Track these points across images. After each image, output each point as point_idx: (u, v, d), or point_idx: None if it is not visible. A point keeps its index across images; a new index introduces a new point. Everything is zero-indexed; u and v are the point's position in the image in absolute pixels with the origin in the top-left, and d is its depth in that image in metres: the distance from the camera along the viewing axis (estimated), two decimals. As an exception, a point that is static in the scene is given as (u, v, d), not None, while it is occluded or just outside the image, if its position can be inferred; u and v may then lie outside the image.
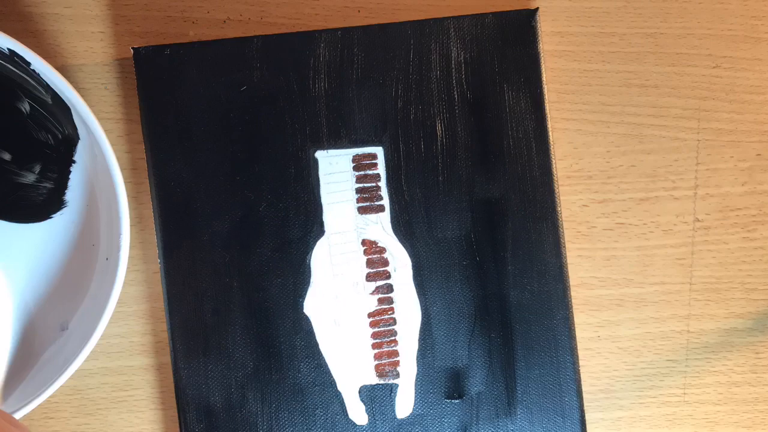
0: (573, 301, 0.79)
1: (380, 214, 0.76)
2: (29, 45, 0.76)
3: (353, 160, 0.76)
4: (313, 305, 0.76)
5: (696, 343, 0.81)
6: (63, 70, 0.77)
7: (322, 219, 0.76)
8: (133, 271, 0.79)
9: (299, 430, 0.76)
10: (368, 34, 0.76)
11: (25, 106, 0.75)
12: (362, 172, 0.76)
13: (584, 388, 0.80)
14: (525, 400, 0.77)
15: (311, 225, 0.76)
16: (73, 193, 0.77)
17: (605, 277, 0.80)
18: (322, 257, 0.76)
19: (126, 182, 0.78)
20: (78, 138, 0.76)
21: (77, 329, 0.76)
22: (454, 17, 0.76)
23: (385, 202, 0.76)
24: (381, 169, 0.76)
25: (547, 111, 0.77)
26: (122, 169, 0.77)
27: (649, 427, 0.81)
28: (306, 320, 0.76)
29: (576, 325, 0.79)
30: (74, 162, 0.77)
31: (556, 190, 0.76)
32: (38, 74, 0.71)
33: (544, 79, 0.76)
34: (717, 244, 0.80)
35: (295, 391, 0.76)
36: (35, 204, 0.77)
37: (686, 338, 0.81)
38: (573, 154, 0.80)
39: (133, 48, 0.75)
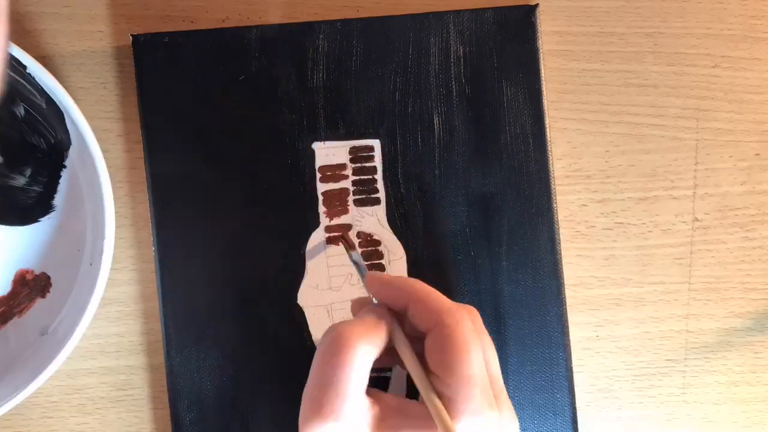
0: (572, 300, 0.79)
1: (376, 206, 0.76)
2: (27, 44, 0.76)
3: (350, 152, 0.76)
4: (306, 297, 0.76)
5: (695, 343, 0.80)
6: (61, 69, 0.78)
7: (317, 211, 0.76)
8: (132, 270, 0.79)
9: (291, 422, 0.75)
10: (367, 27, 0.76)
11: (20, 110, 0.75)
12: (359, 165, 0.76)
13: (583, 387, 0.80)
14: (516, 396, 0.77)
15: (307, 216, 0.76)
16: (62, 197, 0.77)
17: (604, 277, 0.80)
18: (317, 249, 0.76)
19: (124, 182, 0.78)
20: (69, 143, 0.76)
21: (55, 334, 0.77)
22: (453, 11, 0.76)
23: (381, 195, 0.76)
24: (377, 162, 0.76)
25: (545, 107, 0.77)
26: (120, 169, 0.78)
27: (648, 426, 0.80)
28: (299, 312, 0.76)
29: (575, 325, 0.79)
30: (65, 167, 0.77)
31: (553, 187, 0.76)
32: (33, 78, 0.71)
33: (542, 75, 0.77)
34: (716, 244, 0.80)
35: (287, 382, 0.76)
36: (23, 207, 0.77)
37: (685, 338, 0.80)
38: (572, 153, 0.80)
39: (132, 35, 0.75)
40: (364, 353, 0.59)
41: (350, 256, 0.74)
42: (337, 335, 0.60)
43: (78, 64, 0.78)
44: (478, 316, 0.63)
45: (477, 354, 0.59)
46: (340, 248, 0.76)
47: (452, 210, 0.76)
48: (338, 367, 0.58)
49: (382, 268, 0.76)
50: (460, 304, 0.62)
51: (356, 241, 0.76)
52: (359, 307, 0.67)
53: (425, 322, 0.61)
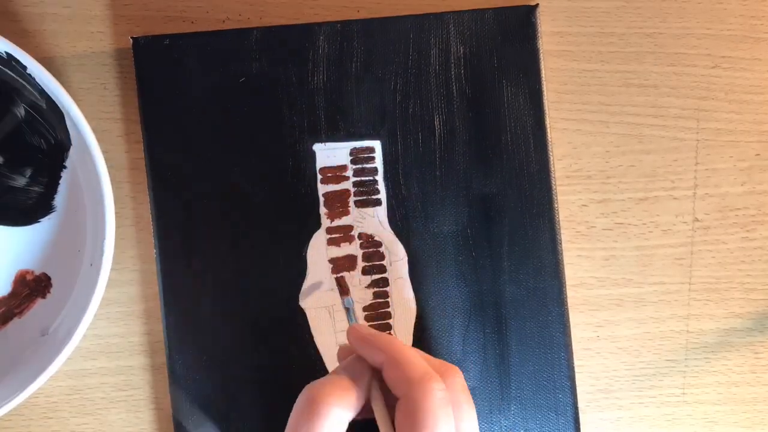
0: (572, 301, 0.79)
1: (377, 208, 0.76)
2: (28, 45, 0.76)
3: (351, 154, 0.76)
4: (308, 298, 0.76)
5: (695, 343, 0.80)
6: (62, 70, 0.78)
7: (318, 212, 0.76)
8: (132, 270, 0.79)
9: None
10: (368, 28, 0.76)
11: (20, 111, 0.75)
12: (360, 166, 0.76)
13: (584, 388, 0.80)
14: (519, 397, 0.77)
15: (308, 218, 0.76)
16: (62, 198, 0.77)
17: (604, 277, 0.80)
18: (318, 250, 0.76)
19: (125, 182, 0.78)
20: (70, 143, 0.76)
21: (56, 335, 0.77)
22: (453, 12, 0.76)
23: (382, 196, 0.76)
24: (378, 163, 0.76)
25: (546, 107, 0.77)
26: (121, 169, 0.78)
27: (649, 427, 0.80)
28: (301, 313, 0.76)
29: (575, 325, 0.79)
30: (65, 167, 0.77)
31: (554, 187, 0.77)
32: (34, 79, 0.71)
33: (543, 75, 0.77)
34: (716, 244, 0.80)
35: (289, 384, 0.75)
36: (24, 207, 0.77)
37: (685, 338, 0.80)
38: (572, 154, 0.80)
39: (132, 37, 0.75)
40: (337, 417, 0.60)
41: (342, 302, 0.74)
42: (311, 397, 0.61)
43: (78, 64, 0.78)
44: (458, 380, 0.62)
45: (444, 430, 0.59)
46: (342, 250, 0.76)
47: (453, 211, 0.76)
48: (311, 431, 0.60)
49: (383, 269, 0.76)
50: (439, 367, 0.62)
51: (358, 243, 0.76)
52: (345, 354, 0.67)
53: (395, 389, 0.61)
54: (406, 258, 0.76)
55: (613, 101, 0.80)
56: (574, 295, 0.79)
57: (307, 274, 0.76)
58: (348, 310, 0.73)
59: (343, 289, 0.75)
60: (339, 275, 0.76)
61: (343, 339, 0.76)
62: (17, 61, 0.70)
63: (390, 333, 0.76)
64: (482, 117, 0.76)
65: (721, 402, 0.81)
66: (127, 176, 0.78)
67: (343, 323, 0.76)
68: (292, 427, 0.61)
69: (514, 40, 0.76)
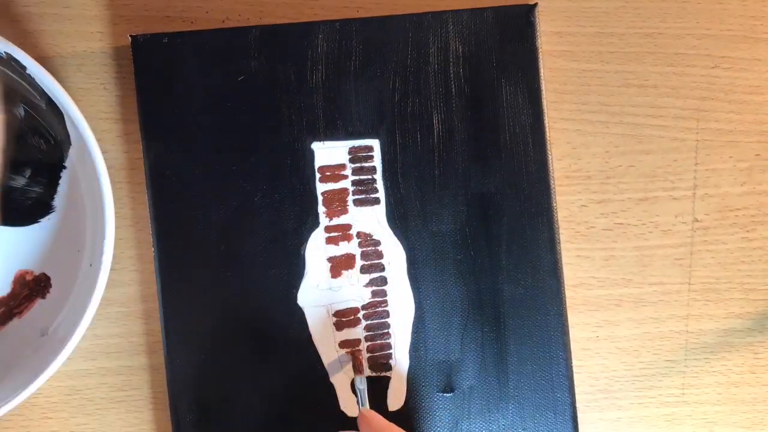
0: (571, 301, 0.79)
1: (375, 206, 0.76)
2: (27, 45, 0.76)
3: (349, 152, 0.76)
4: (306, 297, 0.76)
5: (695, 344, 0.80)
6: (61, 70, 0.78)
7: (317, 211, 0.76)
8: (131, 271, 0.79)
9: (291, 422, 0.76)
10: (366, 26, 0.76)
11: (20, 111, 0.75)
12: (358, 165, 0.76)
13: (583, 388, 0.80)
14: (517, 396, 0.77)
15: (306, 216, 0.76)
16: (62, 198, 0.77)
17: (604, 278, 0.80)
18: (316, 249, 0.76)
19: (124, 182, 0.78)
20: (69, 144, 0.76)
21: (55, 335, 0.77)
22: (452, 11, 0.76)
23: (381, 194, 0.76)
24: (377, 162, 0.76)
25: (545, 106, 0.77)
26: (120, 170, 0.78)
27: (648, 427, 0.80)
28: (299, 312, 0.76)
29: (574, 326, 0.79)
30: (64, 167, 0.77)
31: (552, 186, 0.76)
32: (33, 79, 0.71)
33: (542, 74, 0.77)
34: (716, 245, 0.80)
35: (287, 382, 0.76)
36: (23, 208, 0.77)
37: (685, 338, 0.80)
38: (572, 154, 0.80)
39: (131, 35, 0.75)
40: None
41: (356, 381, 0.75)
42: None
43: (78, 64, 0.78)
44: None
45: None
46: (341, 248, 0.76)
47: (452, 210, 0.76)
48: None
49: (381, 268, 0.76)
50: None
51: (356, 241, 0.76)
52: None
53: None
54: (404, 257, 0.76)
55: (613, 101, 0.80)
56: (573, 295, 0.79)
57: (305, 272, 0.76)
58: (360, 391, 0.73)
59: (357, 367, 0.75)
60: (354, 350, 0.76)
61: (341, 337, 0.76)
62: (17, 62, 0.70)
63: (388, 332, 0.76)
64: (481, 116, 0.76)
65: (721, 402, 0.81)
66: (126, 176, 0.78)
67: (340, 323, 0.76)
68: None
69: (513, 40, 0.76)
